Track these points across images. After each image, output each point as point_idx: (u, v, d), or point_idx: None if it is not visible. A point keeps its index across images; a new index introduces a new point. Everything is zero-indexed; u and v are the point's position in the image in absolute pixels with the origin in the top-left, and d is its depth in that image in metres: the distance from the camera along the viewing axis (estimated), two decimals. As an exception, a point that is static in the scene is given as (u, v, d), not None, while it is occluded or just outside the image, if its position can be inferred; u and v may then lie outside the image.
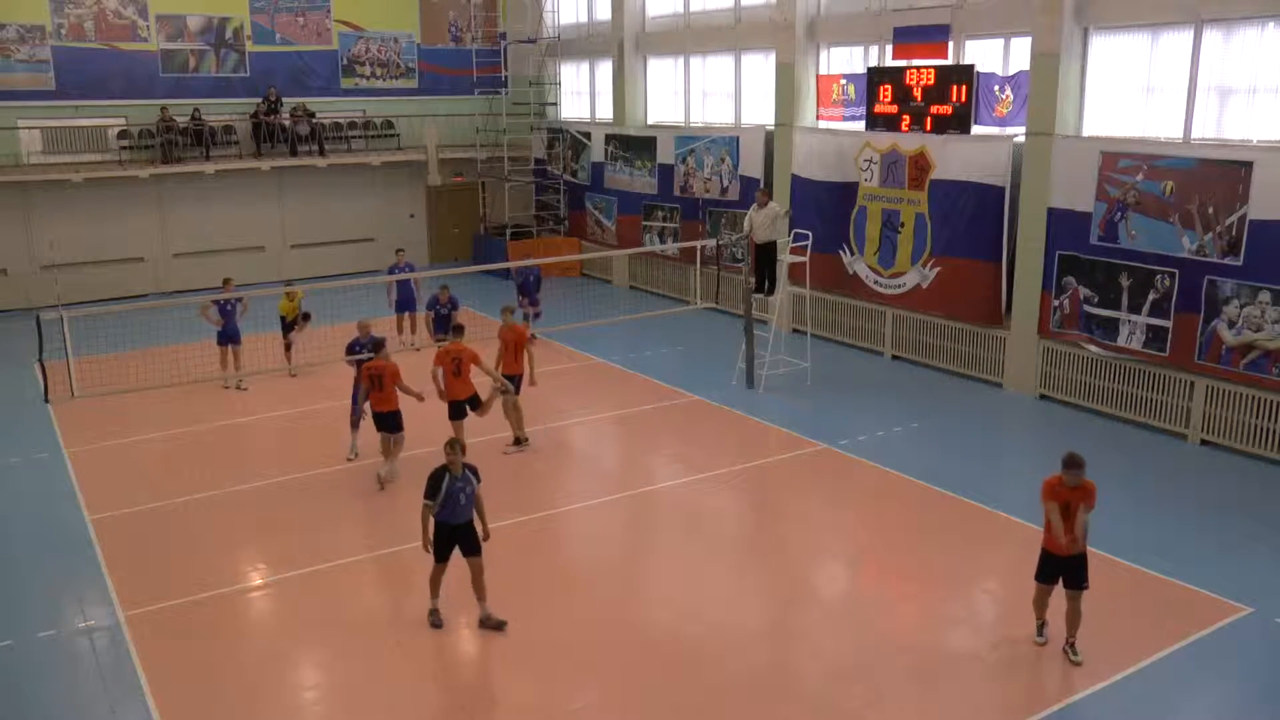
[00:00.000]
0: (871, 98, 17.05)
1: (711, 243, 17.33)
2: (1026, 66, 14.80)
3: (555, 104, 26.61)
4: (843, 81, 17.86)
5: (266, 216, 24.87)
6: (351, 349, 13.13)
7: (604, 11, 24.22)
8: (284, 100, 24.67)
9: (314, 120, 24.83)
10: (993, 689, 8.24)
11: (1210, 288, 12.89)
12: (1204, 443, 13.27)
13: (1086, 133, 14.54)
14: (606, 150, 24.05)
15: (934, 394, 15.66)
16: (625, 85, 23.37)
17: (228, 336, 16.06)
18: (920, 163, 16.37)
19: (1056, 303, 14.78)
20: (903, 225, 16.89)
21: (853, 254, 17.84)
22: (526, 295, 18.69)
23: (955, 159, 15.80)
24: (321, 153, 24.85)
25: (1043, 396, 15.15)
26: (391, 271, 18.41)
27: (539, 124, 26.54)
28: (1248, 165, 12.35)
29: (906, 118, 16.48)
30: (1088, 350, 14.41)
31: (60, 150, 22.89)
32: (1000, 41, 15.75)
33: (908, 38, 16.63)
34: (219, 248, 24.00)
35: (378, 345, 12.48)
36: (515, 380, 13.36)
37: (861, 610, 9.64)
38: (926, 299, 16.67)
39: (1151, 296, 13.55)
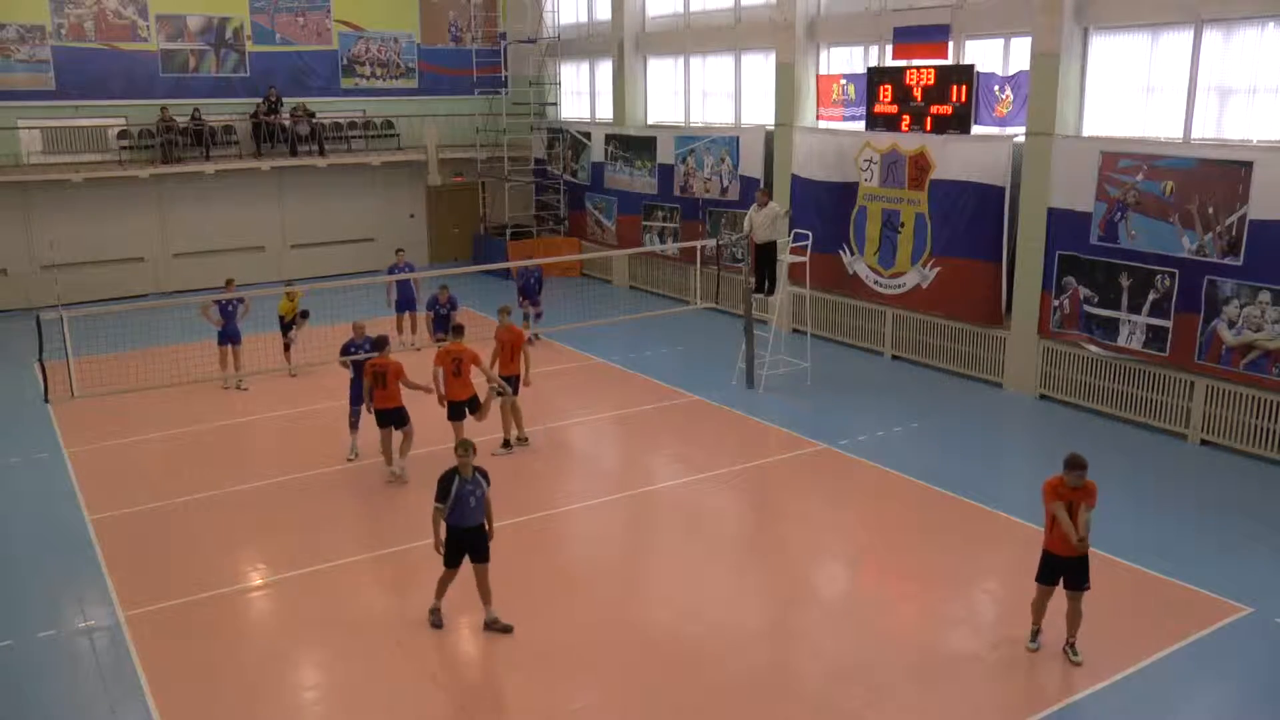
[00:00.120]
0: (871, 98, 17.05)
1: (711, 243, 17.33)
2: (1026, 66, 14.80)
3: (555, 104, 26.61)
4: (843, 81, 17.87)
5: (266, 216, 24.86)
6: (346, 350, 13.10)
7: (604, 11, 24.22)
8: (284, 100, 24.67)
9: (314, 120, 24.83)
10: (993, 689, 8.24)
11: (1210, 288, 12.89)
12: (1204, 443, 13.27)
13: (1086, 133, 14.54)
14: (606, 150, 24.05)
15: (934, 394, 15.66)
16: (625, 85, 23.37)
17: (228, 337, 16.06)
18: (920, 163, 16.37)
19: (1056, 303, 14.78)
20: (903, 225, 16.89)
21: (853, 254, 17.84)
22: (528, 297, 18.67)
23: (955, 159, 15.80)
24: (321, 153, 24.85)
25: (1043, 396, 15.15)
26: (391, 271, 18.41)
27: (539, 124, 26.55)
28: (1248, 165, 12.35)
29: (906, 118, 16.48)
30: (1088, 350, 14.41)
31: (60, 150, 22.89)
32: (1000, 41, 15.75)
33: (908, 38, 16.64)
34: (219, 248, 24.00)
35: (381, 343, 12.49)
36: (512, 381, 13.35)
37: (861, 610, 9.64)
38: (926, 299, 16.67)
39: (1151, 296, 13.55)
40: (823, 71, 18.62)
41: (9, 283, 22.26)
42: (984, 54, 15.87)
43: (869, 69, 17.21)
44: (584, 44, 25.20)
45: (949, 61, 16.09)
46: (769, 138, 19.45)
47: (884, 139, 16.88)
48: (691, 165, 21.45)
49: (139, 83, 23.54)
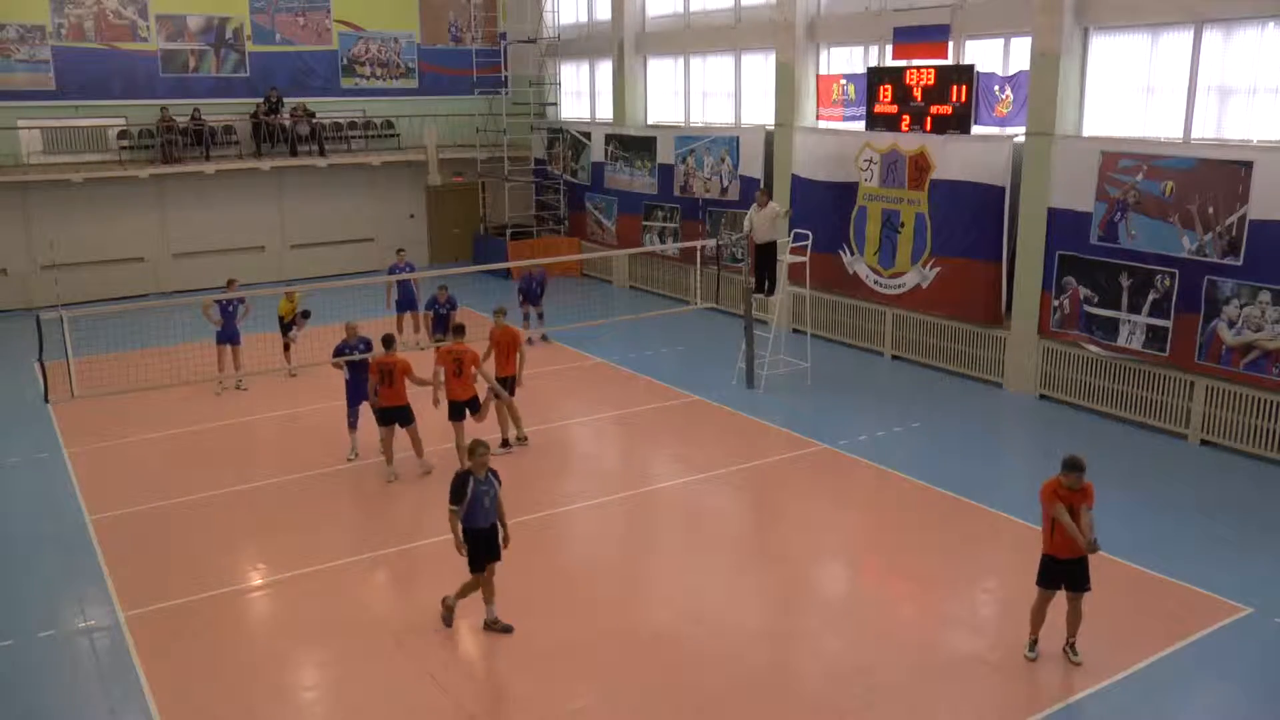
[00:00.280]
0: (871, 98, 17.05)
1: (711, 243, 17.32)
2: (1026, 66, 14.80)
3: (555, 104, 26.61)
4: (843, 81, 17.87)
5: (266, 216, 24.87)
6: (340, 351, 13.08)
7: (604, 11, 24.22)
8: (284, 100, 24.68)
9: (314, 120, 24.83)
10: (993, 689, 8.24)
11: (1210, 288, 12.89)
12: (1204, 443, 13.26)
13: (1086, 133, 14.54)
14: (606, 150, 24.05)
15: (934, 394, 15.66)
16: (625, 85, 23.37)
17: (227, 337, 16.04)
18: (920, 163, 16.37)
19: (1056, 303, 14.78)
20: (903, 225, 16.89)
21: (853, 254, 17.84)
22: (529, 300, 18.64)
23: (955, 159, 15.80)
24: (321, 153, 24.85)
25: (1043, 396, 15.14)
26: (392, 271, 18.41)
27: (539, 124, 26.55)
28: (1248, 165, 12.35)
29: (906, 118, 16.48)
30: (1088, 350, 14.41)
31: (60, 150, 22.90)
32: (1000, 41, 15.75)
33: (908, 38, 16.63)
34: (219, 248, 24.00)
35: (388, 341, 12.52)
36: (508, 382, 13.34)
37: (861, 610, 9.64)
38: (926, 299, 16.67)
39: (1151, 296, 13.55)
40: (823, 71, 18.62)
41: (9, 283, 22.26)
42: (984, 54, 15.87)
43: (869, 69, 17.21)
44: (584, 44, 25.21)
45: (949, 61, 16.09)
46: (769, 138, 19.45)
47: (884, 139, 16.88)
48: (691, 165, 21.45)
49: (139, 83, 23.55)
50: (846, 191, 17.74)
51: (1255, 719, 7.92)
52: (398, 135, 26.25)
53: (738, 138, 20.21)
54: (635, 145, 23.11)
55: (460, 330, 12.83)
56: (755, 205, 15.84)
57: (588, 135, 24.81)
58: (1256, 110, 12.75)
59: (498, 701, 8.38)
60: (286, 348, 16.72)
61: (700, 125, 22.03)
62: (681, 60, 22.32)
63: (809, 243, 16.07)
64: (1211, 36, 13.04)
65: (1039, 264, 14.91)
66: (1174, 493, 11.92)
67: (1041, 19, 14.33)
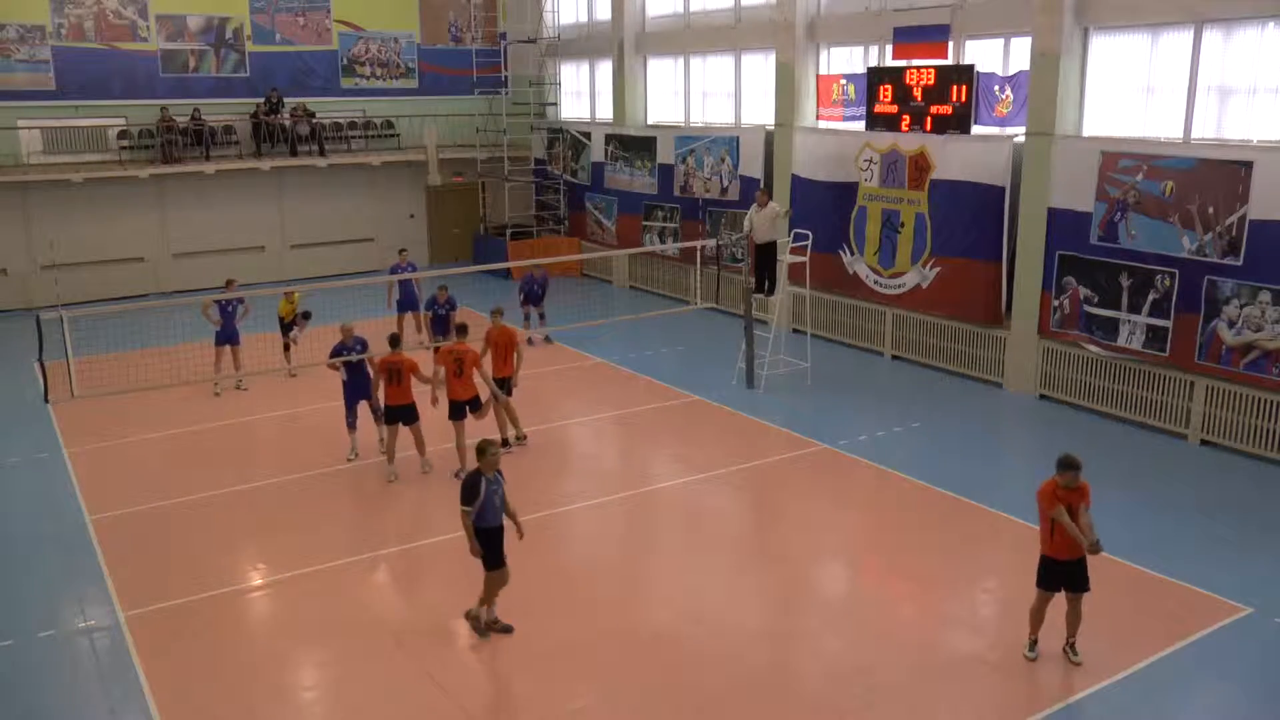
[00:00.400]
0: (871, 98, 17.05)
1: (711, 243, 17.33)
2: (1026, 66, 14.80)
3: (555, 104, 26.61)
4: (843, 81, 17.87)
5: (266, 216, 24.87)
6: (337, 352, 13.05)
7: (604, 11, 24.23)
8: (284, 101, 24.68)
9: (314, 120, 24.83)
10: (993, 689, 8.24)
11: (1210, 288, 12.89)
12: (1204, 443, 13.26)
13: (1086, 133, 14.54)
14: (606, 150, 24.05)
15: (934, 394, 15.66)
16: (625, 85, 23.37)
17: (226, 337, 16.02)
18: (920, 163, 16.37)
19: (1056, 303, 14.78)
20: (903, 225, 16.89)
21: (853, 254, 17.84)
22: (530, 301, 18.62)
23: (955, 159, 15.80)
24: (321, 153, 24.86)
25: (1043, 396, 15.14)
26: (394, 271, 18.38)
27: (539, 124, 26.55)
28: (1248, 165, 12.35)
29: (906, 118, 16.48)
30: (1088, 350, 14.41)
31: (60, 150, 22.91)
32: (1000, 41, 15.75)
33: (908, 38, 16.63)
34: (219, 248, 24.01)
35: (395, 340, 12.60)
36: (505, 382, 13.33)
37: (861, 610, 9.64)
38: (926, 299, 16.67)
39: (1151, 296, 13.55)
40: (823, 71, 18.62)
41: (9, 283, 22.26)
42: (984, 54, 15.87)
43: (869, 69, 17.21)
44: (584, 44, 25.21)
45: (949, 61, 16.09)
46: (769, 138, 19.45)
47: (884, 139, 16.88)
48: (691, 165, 21.45)
49: (139, 83, 23.55)
50: (846, 191, 17.74)
51: (1255, 719, 7.92)
52: (398, 135, 26.26)
53: (738, 138, 20.21)
54: (635, 145, 23.11)
55: (463, 330, 12.83)
56: (755, 205, 15.84)
57: (588, 135, 24.81)
58: (1256, 110, 12.75)
59: (498, 701, 8.38)
60: (286, 348, 16.72)
61: (700, 125, 22.03)
62: (681, 60, 22.32)
63: (809, 243, 16.07)
64: (1211, 36, 13.04)
65: (1039, 264, 14.91)
66: (1174, 493, 11.92)
67: (1041, 19, 14.34)
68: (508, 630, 8.99)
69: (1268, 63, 12.55)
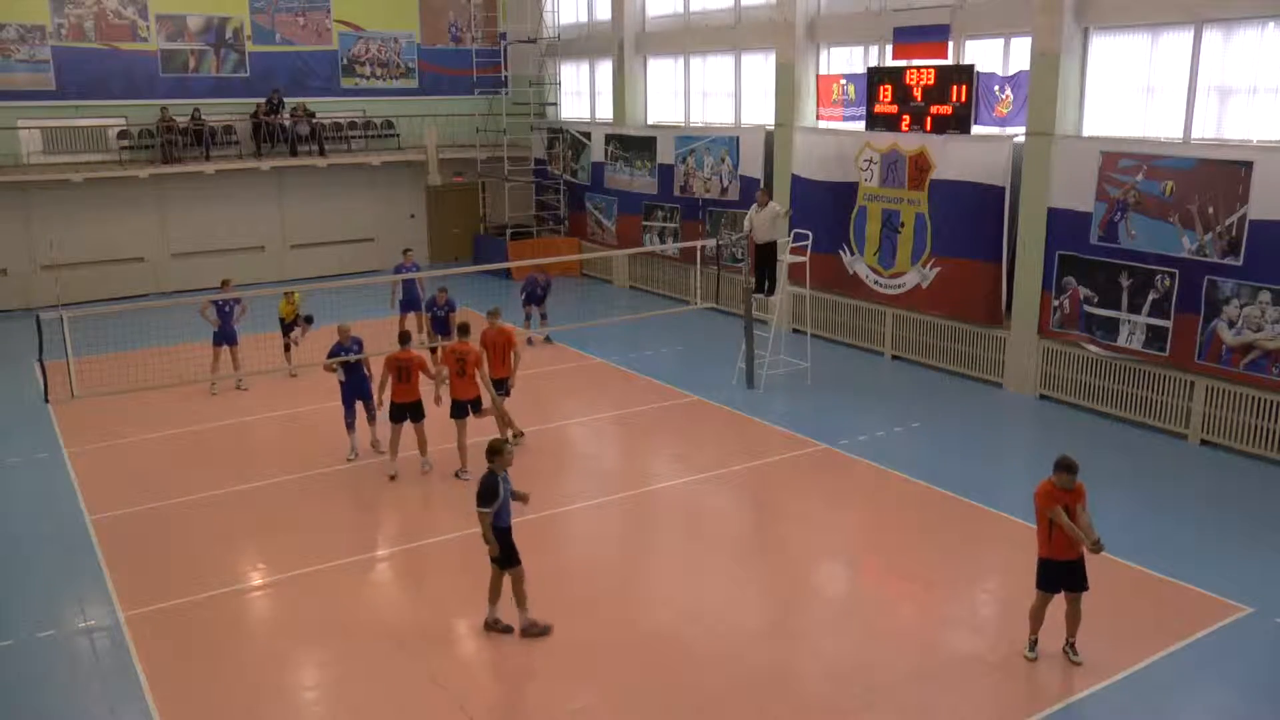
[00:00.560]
0: (871, 98, 17.04)
1: (711, 243, 17.33)
2: (1026, 66, 14.80)
3: (555, 104, 26.61)
4: (843, 81, 17.87)
5: (266, 216, 24.87)
6: (335, 353, 13.03)
7: (604, 11, 24.23)
8: (285, 101, 24.68)
9: (314, 120, 24.83)
10: (993, 689, 8.24)
11: (1210, 288, 12.89)
12: (1204, 443, 13.26)
13: (1086, 133, 14.54)
14: (606, 150, 24.05)
15: (934, 394, 15.66)
16: (625, 85, 23.37)
17: (224, 337, 16.01)
18: (920, 163, 16.37)
19: (1056, 303, 14.78)
20: (903, 225, 16.89)
21: (853, 254, 17.84)
22: (532, 301, 18.60)
23: (955, 159, 15.80)
24: (321, 153, 24.85)
25: (1043, 396, 15.14)
26: (398, 270, 18.35)
27: (539, 124, 26.55)
28: (1248, 165, 12.35)
29: (906, 118, 16.48)
30: (1088, 350, 14.41)
31: (60, 150, 22.91)
32: (1000, 41, 15.75)
33: (908, 38, 16.63)
34: (219, 248, 24.01)
35: (405, 338, 12.69)
36: (502, 383, 13.32)
37: (861, 610, 9.64)
38: (926, 299, 16.67)
39: (1151, 296, 13.55)
40: (823, 71, 18.62)
41: (9, 283, 22.26)
42: (984, 54, 15.87)
43: (869, 69, 17.21)
44: (584, 44, 25.21)
45: (949, 61, 16.09)
46: (769, 138, 19.45)
47: (884, 139, 16.88)
48: (691, 165, 21.45)
49: (139, 83, 23.56)
50: (846, 191, 17.74)
51: (1255, 719, 7.92)
52: (398, 135, 26.26)
53: (738, 138, 20.21)
54: (635, 145, 23.11)
55: (464, 329, 12.81)
56: (755, 205, 15.84)
57: (588, 135, 24.81)
58: (1256, 110, 12.75)
59: (498, 701, 8.37)
60: (287, 348, 16.71)
61: (700, 125, 22.03)
62: (681, 60, 22.32)
63: (809, 243, 16.07)
64: (1211, 36, 13.04)
65: (1039, 264, 14.91)
66: (1174, 493, 11.92)
67: (1041, 19, 14.34)
68: (508, 631, 8.98)
69: (1268, 63, 12.55)
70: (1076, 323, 14.53)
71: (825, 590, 10.32)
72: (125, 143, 23.39)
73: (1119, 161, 13.70)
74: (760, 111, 20.21)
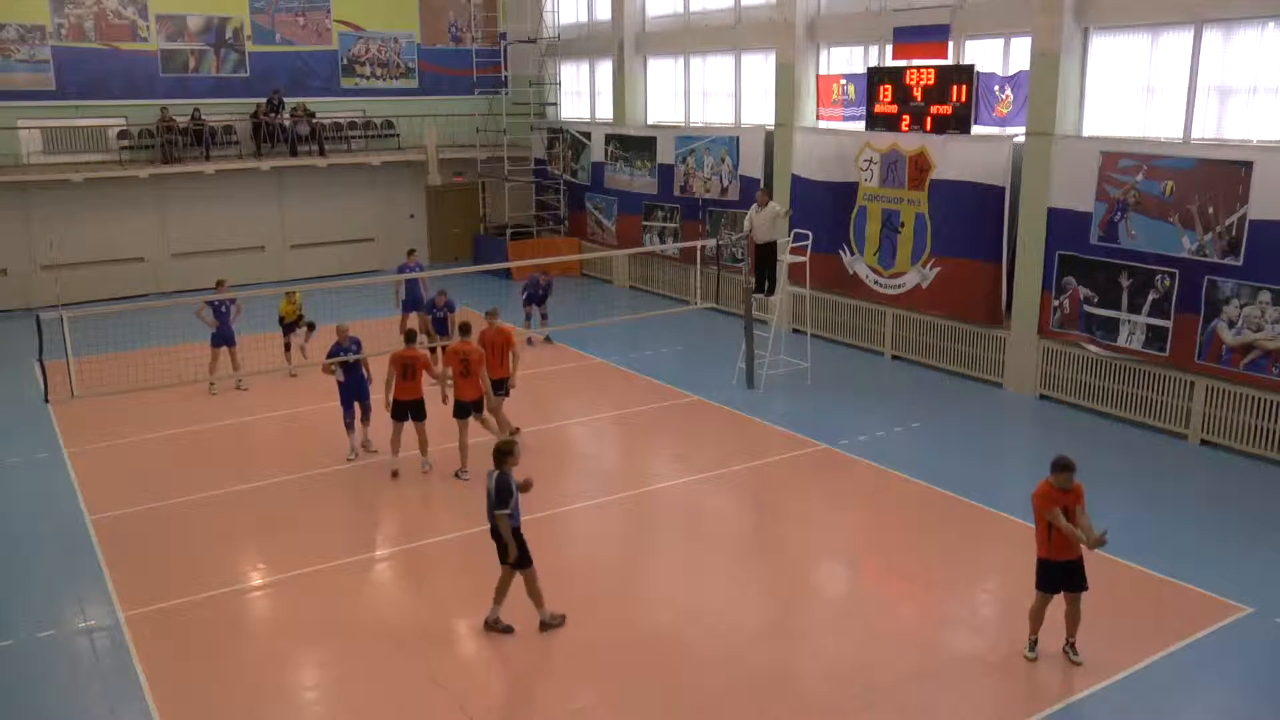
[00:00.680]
0: (871, 98, 17.04)
1: (711, 243, 17.33)
2: (1026, 66, 14.80)
3: (555, 104, 26.61)
4: (843, 81, 17.87)
5: (266, 216, 24.88)
6: (334, 353, 13.02)
7: (604, 11, 24.23)
8: (285, 101, 24.68)
9: (314, 120, 24.83)
10: (993, 689, 8.24)
11: (1210, 288, 12.89)
12: (1204, 443, 13.26)
13: (1086, 133, 14.54)
14: (606, 150, 24.05)
15: (934, 394, 15.66)
16: (625, 85, 23.37)
17: (222, 339, 15.99)
18: (920, 163, 16.37)
19: (1056, 303, 14.78)
20: (903, 225, 16.89)
21: (853, 254, 17.84)
22: (533, 301, 18.59)
23: (955, 159, 15.80)
24: (321, 153, 24.85)
25: (1043, 396, 15.14)
26: (401, 270, 18.34)
27: (539, 124, 26.56)
28: (1248, 165, 12.35)
29: (906, 118, 16.48)
30: (1088, 350, 14.41)
31: (60, 150, 22.91)
32: (1000, 41, 15.75)
33: (908, 38, 16.63)
34: (219, 248, 24.02)
35: (410, 336, 12.72)
36: (501, 383, 13.31)
37: (861, 610, 9.64)
38: (926, 299, 16.67)
39: (1151, 296, 13.55)
40: (823, 71, 18.62)
41: (9, 283, 22.26)
42: (984, 54, 15.87)
43: (869, 69, 17.21)
44: (584, 44, 25.21)
45: (949, 61, 16.09)
46: (769, 138, 19.45)
47: (884, 139, 16.88)
48: (691, 165, 21.45)
49: (139, 83, 23.56)
50: (846, 191, 17.74)
51: (1255, 719, 7.92)
52: (398, 135, 26.26)
53: (738, 138, 20.21)
54: (635, 145, 23.11)
55: (466, 329, 12.78)
56: (755, 205, 15.84)
57: (588, 135, 24.81)
58: (1256, 110, 12.75)
59: (498, 702, 8.37)
60: (287, 347, 16.71)
61: (700, 125, 22.03)
62: (681, 60, 22.32)
63: (809, 243, 16.07)
64: (1211, 36, 13.04)
65: (1039, 264, 14.91)
66: (1174, 493, 11.92)
67: (1041, 19, 14.34)
68: (509, 630, 8.98)
69: (1268, 63, 12.55)
70: (1076, 323, 14.53)
71: (825, 590, 10.32)
72: (125, 143, 23.39)
73: (1119, 161, 13.70)
74: (760, 111, 20.21)
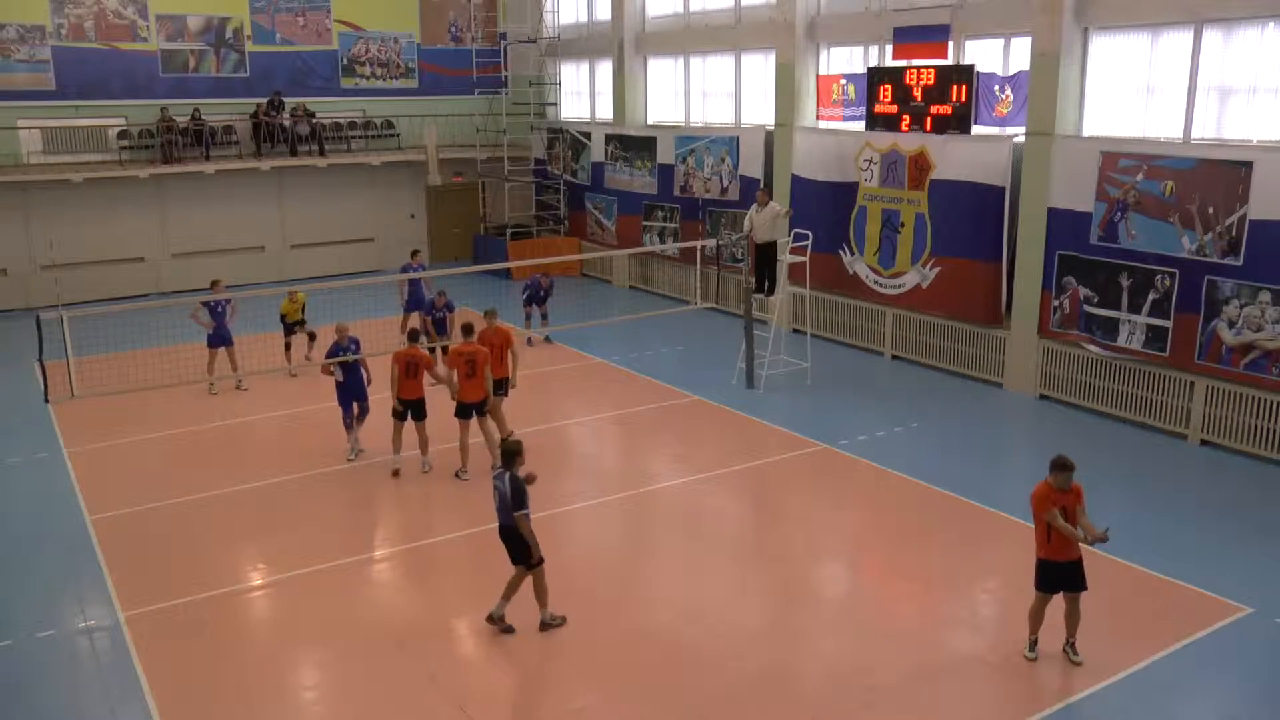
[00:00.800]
0: (871, 98, 17.04)
1: (711, 243, 17.33)
2: (1026, 66, 14.80)
3: (555, 104, 26.61)
4: (843, 81, 17.87)
5: (266, 216, 24.88)
6: (333, 352, 13.01)
7: (604, 11, 24.23)
8: (285, 102, 24.68)
9: (314, 120, 24.83)
10: (993, 689, 8.24)
11: (1210, 288, 12.89)
12: (1204, 443, 13.27)
13: (1086, 133, 14.54)
14: (606, 150, 24.05)
15: (934, 394, 15.66)
16: (625, 85, 23.37)
17: (220, 339, 15.98)
18: (920, 163, 16.37)
19: (1056, 303, 14.78)
20: (903, 225, 16.89)
21: (853, 254, 17.84)
22: (534, 301, 18.59)
23: (955, 159, 15.80)
24: (321, 153, 24.86)
25: (1043, 396, 15.14)
26: (405, 270, 18.33)
27: (539, 124, 26.55)
28: (1248, 165, 12.35)
29: (906, 118, 16.48)
30: (1088, 350, 14.41)
31: (60, 150, 22.91)
32: (1000, 41, 15.75)
33: (908, 38, 16.63)
34: (219, 248, 24.02)
35: (414, 335, 12.76)
36: (501, 383, 13.29)
37: (861, 610, 9.64)
38: (926, 299, 16.67)
39: (1151, 296, 13.55)
40: (823, 71, 18.62)
41: (9, 283, 22.26)
42: (984, 54, 15.87)
43: (869, 69, 17.21)
44: (584, 44, 25.21)
45: (949, 61, 16.09)
46: (769, 138, 19.45)
47: (884, 139, 16.88)
48: (691, 165, 21.45)
49: (139, 83, 23.55)
50: (846, 191, 17.74)
51: (1255, 719, 7.92)
52: (398, 135, 26.26)
53: (738, 138, 20.21)
54: (635, 145, 23.11)
55: (469, 330, 12.76)
56: (755, 205, 15.84)
57: (588, 135, 24.81)
58: (1256, 110, 12.75)
59: (498, 702, 8.36)
60: (288, 347, 16.70)
61: (700, 125, 22.03)
62: (681, 60, 22.32)
63: (809, 243, 16.07)
64: (1211, 36, 13.04)
65: (1039, 264, 14.91)
66: (1174, 493, 11.92)
67: (1041, 19, 14.33)
68: (510, 630, 8.98)
69: (1268, 63, 12.55)
70: (1076, 323, 14.53)
71: (825, 590, 10.32)
72: (125, 143, 23.39)
73: (1119, 161, 13.70)
74: (760, 111, 20.21)
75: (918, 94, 16.25)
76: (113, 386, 14.12)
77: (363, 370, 13.12)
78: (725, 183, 20.60)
